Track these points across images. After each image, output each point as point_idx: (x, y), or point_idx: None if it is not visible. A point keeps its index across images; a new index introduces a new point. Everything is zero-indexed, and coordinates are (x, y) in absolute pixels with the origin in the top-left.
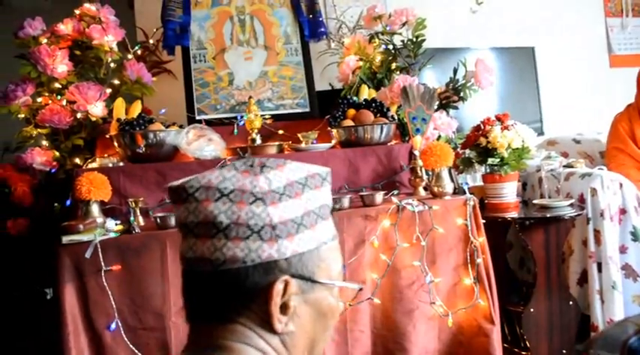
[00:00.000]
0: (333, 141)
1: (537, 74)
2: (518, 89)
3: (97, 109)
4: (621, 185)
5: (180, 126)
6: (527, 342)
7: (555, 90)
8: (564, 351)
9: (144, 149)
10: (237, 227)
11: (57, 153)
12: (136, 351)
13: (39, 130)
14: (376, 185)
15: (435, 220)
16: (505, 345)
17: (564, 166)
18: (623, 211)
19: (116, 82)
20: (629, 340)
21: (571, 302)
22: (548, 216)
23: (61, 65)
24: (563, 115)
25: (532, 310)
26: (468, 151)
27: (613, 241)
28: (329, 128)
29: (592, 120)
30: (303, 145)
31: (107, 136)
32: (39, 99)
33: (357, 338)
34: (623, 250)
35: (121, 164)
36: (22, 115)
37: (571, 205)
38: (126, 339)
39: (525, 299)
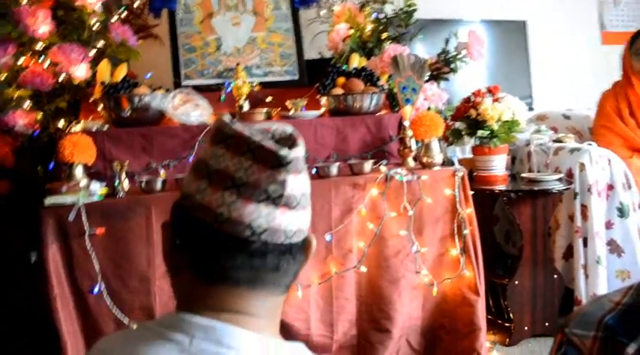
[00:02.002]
0: (322, 110)
1: (528, 49)
2: (509, 64)
3: (81, 71)
4: (610, 161)
5: (167, 91)
6: (510, 314)
7: (546, 66)
8: (547, 324)
9: (129, 113)
10: (305, 199)
11: (40, 116)
12: (120, 314)
13: (21, 92)
14: (365, 154)
15: (423, 190)
16: (489, 317)
17: (554, 141)
18: (610, 187)
19: (100, 44)
20: (604, 317)
21: (555, 276)
22: (536, 189)
23: (43, 26)
24: (553, 91)
25: (517, 282)
26: (457, 123)
27: (599, 216)
28: (318, 96)
29: (582, 96)
30: (291, 113)
31: (91, 100)
32: (21, 61)
33: (343, 305)
34: (609, 226)
35: (106, 128)
36: (3, 76)
37: (559, 180)
38: (109, 302)
39: (510, 272)
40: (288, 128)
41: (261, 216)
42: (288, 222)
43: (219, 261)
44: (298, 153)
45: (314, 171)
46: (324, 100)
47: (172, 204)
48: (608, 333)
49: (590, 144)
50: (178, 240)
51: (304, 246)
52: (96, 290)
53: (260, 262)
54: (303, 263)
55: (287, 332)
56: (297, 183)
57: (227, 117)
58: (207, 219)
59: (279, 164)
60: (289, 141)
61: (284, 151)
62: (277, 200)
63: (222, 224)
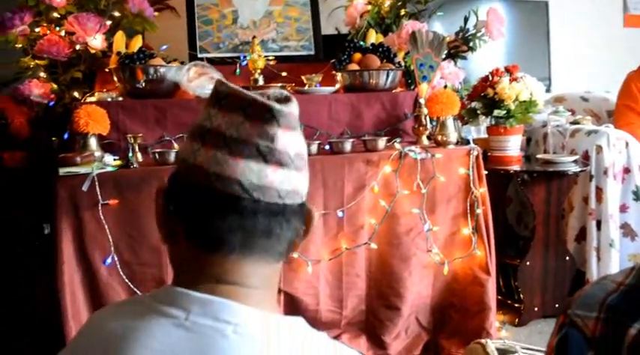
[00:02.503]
0: (337, 85)
1: (549, 30)
2: (528, 45)
3: (97, 42)
4: (627, 144)
5: (182, 63)
6: (521, 295)
7: (566, 48)
8: (557, 305)
9: (144, 84)
10: (300, 160)
11: (55, 86)
12: (132, 286)
13: (37, 61)
14: (379, 132)
15: (436, 169)
16: (499, 297)
17: (571, 123)
18: (627, 170)
19: (117, 14)
20: (607, 298)
21: (567, 258)
22: (550, 170)
23: None
24: (572, 73)
25: (528, 263)
26: (474, 102)
27: (614, 199)
28: (333, 72)
29: (601, 79)
30: (306, 88)
31: (107, 70)
32: (37, 30)
33: (353, 281)
34: (623, 209)
35: (120, 99)
36: (20, 45)
37: (575, 161)
38: (122, 274)
39: (522, 253)
40: (283, 91)
41: (252, 172)
42: (281, 180)
43: (211, 222)
44: (290, 108)
45: (327, 147)
46: (339, 76)
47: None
48: (610, 314)
49: (607, 127)
50: (172, 206)
51: (302, 213)
52: (109, 261)
53: (252, 222)
54: (301, 232)
55: (296, 306)
56: (289, 139)
57: (202, 85)
58: (199, 180)
59: (269, 116)
60: (284, 98)
61: (277, 105)
62: (268, 156)
63: (214, 182)
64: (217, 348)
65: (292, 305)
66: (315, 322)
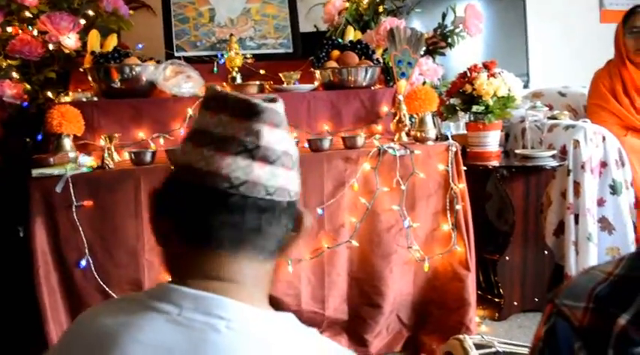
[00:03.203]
0: (316, 83)
1: (527, 26)
2: (506, 41)
3: (70, 41)
4: (604, 138)
5: (158, 62)
6: (500, 289)
7: (544, 44)
8: (536, 299)
9: (119, 84)
10: (288, 158)
11: (28, 86)
12: (107, 289)
13: (9, 61)
14: (358, 129)
15: (416, 165)
16: (479, 292)
17: (548, 118)
18: (604, 164)
19: (91, 13)
20: (595, 288)
21: (546, 252)
22: (529, 165)
23: None
24: (549, 69)
25: (507, 258)
26: (452, 98)
27: (592, 193)
28: (312, 69)
29: (579, 74)
30: (284, 86)
31: (81, 70)
32: (9, 29)
33: (334, 281)
34: (601, 203)
35: (95, 99)
36: None
37: (553, 156)
38: (97, 276)
39: (501, 248)
40: (271, 96)
41: (239, 167)
42: (268, 176)
43: (200, 218)
44: (275, 106)
45: (306, 144)
46: (317, 74)
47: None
48: (598, 304)
49: (585, 122)
50: (162, 207)
51: (292, 212)
52: (83, 263)
53: (240, 218)
54: (290, 231)
55: (277, 307)
56: (275, 136)
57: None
58: (188, 177)
59: (254, 113)
60: (270, 98)
61: (258, 101)
62: (254, 152)
63: (201, 178)
64: (210, 343)
65: (273, 306)
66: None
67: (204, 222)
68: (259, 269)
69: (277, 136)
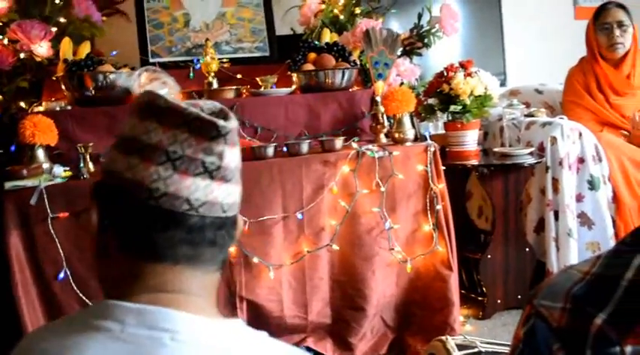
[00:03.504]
0: (293, 86)
1: (502, 25)
2: (483, 40)
3: (42, 49)
4: (580, 134)
5: (132, 69)
6: (483, 288)
7: (520, 42)
8: (519, 296)
9: (93, 92)
10: (238, 173)
11: (0, 97)
12: (87, 301)
13: None
14: (337, 131)
15: (395, 166)
16: (462, 291)
17: (525, 115)
18: (581, 160)
19: (62, 20)
20: (572, 288)
21: (527, 249)
22: (508, 163)
23: (0, 1)
24: (526, 67)
25: (489, 257)
26: (430, 99)
27: (570, 189)
28: (289, 72)
29: (555, 71)
30: (262, 90)
31: (54, 78)
32: None
33: (316, 285)
34: (579, 198)
35: (69, 108)
36: None
37: (531, 154)
38: (76, 288)
39: (483, 247)
40: (216, 103)
41: (198, 189)
42: (225, 195)
43: (155, 238)
44: (234, 124)
45: (284, 149)
46: (294, 77)
47: (94, 184)
48: (575, 304)
49: (561, 118)
50: (107, 221)
51: (235, 222)
52: (61, 275)
53: (199, 237)
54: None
55: (259, 313)
56: (233, 155)
57: (154, 91)
58: (141, 196)
59: (217, 134)
60: (222, 113)
61: (222, 122)
62: (214, 172)
63: (158, 199)
64: None
65: (255, 313)
66: (280, 328)
67: (159, 239)
68: (210, 280)
69: (235, 155)
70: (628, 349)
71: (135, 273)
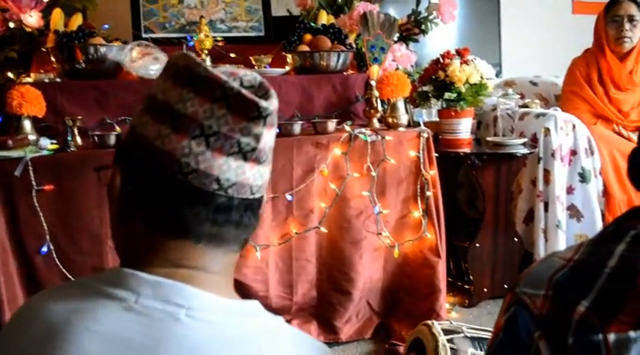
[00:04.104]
0: (288, 67)
1: (500, 15)
2: (480, 30)
3: (33, 19)
4: (574, 126)
5: (125, 43)
6: (470, 276)
7: (516, 33)
8: (506, 286)
9: (83, 64)
10: (271, 153)
11: None
12: (70, 276)
13: None
14: (330, 114)
15: (387, 151)
16: (449, 279)
17: (520, 106)
18: (573, 152)
19: None
20: (555, 275)
21: (516, 240)
22: (500, 153)
23: None
24: (522, 59)
25: (477, 245)
26: (425, 86)
27: (561, 181)
28: (284, 53)
29: (550, 64)
30: (255, 69)
31: (44, 50)
32: None
33: (303, 266)
34: (570, 191)
35: (58, 80)
36: None
37: (524, 144)
38: (58, 263)
39: (472, 235)
40: (256, 75)
41: (230, 169)
42: (256, 176)
43: (180, 214)
44: (275, 104)
45: (276, 129)
46: (289, 57)
47: (118, 146)
48: (558, 291)
49: (555, 110)
50: (130, 187)
51: (261, 202)
52: (44, 249)
53: (224, 217)
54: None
55: (245, 293)
56: (270, 136)
57: (193, 55)
58: (170, 169)
59: (257, 115)
60: (262, 90)
61: (264, 103)
62: (249, 154)
63: (187, 175)
64: (170, 333)
65: (241, 292)
66: (265, 308)
67: (184, 216)
68: (231, 258)
69: (272, 136)
70: (611, 337)
71: (154, 246)
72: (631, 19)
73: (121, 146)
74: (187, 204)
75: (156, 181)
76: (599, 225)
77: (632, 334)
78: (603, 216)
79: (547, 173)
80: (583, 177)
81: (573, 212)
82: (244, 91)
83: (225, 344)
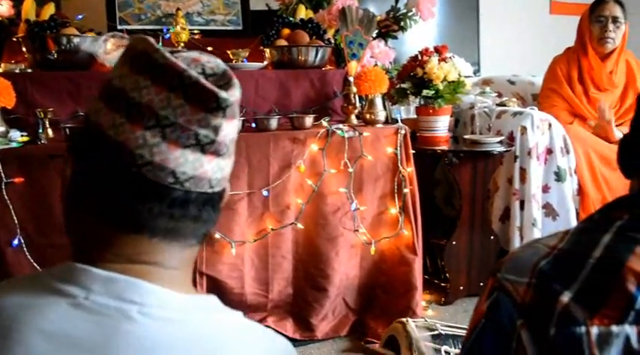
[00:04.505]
0: (265, 62)
1: (479, 15)
2: (459, 29)
3: (3, 8)
4: (550, 125)
5: (99, 34)
6: (447, 274)
7: (495, 33)
8: (482, 284)
9: (55, 55)
10: (232, 145)
11: None
12: (40, 269)
13: None
14: (307, 110)
15: (364, 147)
16: (426, 276)
17: (497, 105)
18: (549, 151)
19: None
20: (539, 263)
21: (492, 237)
22: (477, 150)
23: None
24: (500, 58)
25: (454, 243)
26: (403, 83)
27: (537, 180)
28: (261, 47)
29: (528, 63)
30: (232, 64)
31: (14, 39)
32: None
33: (279, 263)
34: (545, 189)
35: (30, 71)
36: None
37: (500, 142)
38: (29, 256)
39: (448, 233)
40: (219, 63)
41: (187, 162)
42: (215, 169)
43: (134, 207)
44: (236, 95)
45: (253, 124)
46: (267, 52)
47: (71, 132)
48: (541, 280)
49: (532, 109)
50: (82, 177)
51: (222, 196)
52: (15, 242)
53: (181, 212)
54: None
55: (220, 289)
56: (230, 128)
57: (152, 40)
58: (123, 160)
59: (216, 107)
60: (224, 79)
61: (224, 94)
62: (207, 146)
63: (141, 167)
64: (121, 331)
65: (215, 289)
66: (240, 305)
67: (137, 210)
68: (190, 253)
69: (232, 127)
70: (594, 330)
71: (107, 240)
72: (615, 20)
73: (76, 134)
74: (141, 197)
75: (108, 173)
76: (573, 224)
77: (614, 328)
78: (578, 214)
79: (523, 171)
80: (558, 176)
81: (549, 210)
82: (203, 81)
83: (182, 341)
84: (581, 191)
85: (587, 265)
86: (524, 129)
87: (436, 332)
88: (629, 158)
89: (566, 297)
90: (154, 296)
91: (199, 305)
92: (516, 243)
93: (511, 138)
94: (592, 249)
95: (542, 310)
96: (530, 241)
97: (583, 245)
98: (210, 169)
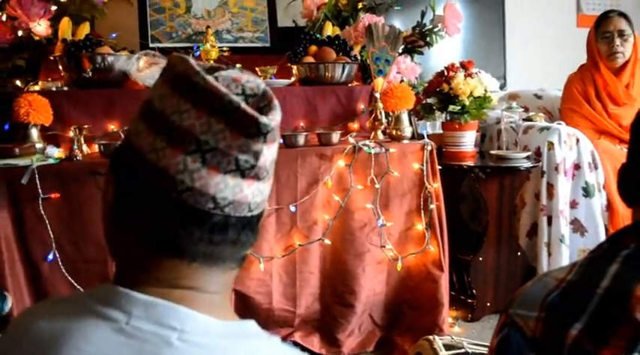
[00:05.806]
0: (293, 78)
1: (505, 28)
2: (485, 43)
3: (41, 28)
4: (578, 140)
5: (132, 52)
6: (473, 290)
7: (521, 46)
8: None
9: (90, 73)
10: (272, 168)
11: None
12: (75, 283)
13: None
14: (334, 126)
15: (390, 163)
16: (452, 293)
17: (524, 120)
18: (577, 166)
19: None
20: (548, 296)
21: (519, 254)
22: (503, 166)
23: None
24: (526, 72)
25: (480, 259)
26: (429, 98)
27: (565, 195)
28: (289, 64)
29: (554, 77)
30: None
31: (51, 58)
32: None
33: (306, 279)
34: (573, 205)
35: (66, 88)
36: None
37: (527, 158)
38: (64, 271)
39: (475, 249)
40: (260, 83)
41: (227, 187)
42: (255, 193)
43: (174, 232)
44: (277, 119)
45: (280, 140)
46: (294, 69)
47: (113, 153)
48: (550, 314)
49: (559, 124)
50: (124, 198)
51: (260, 218)
52: (50, 257)
53: (220, 237)
54: (257, 236)
55: (248, 305)
56: (270, 152)
57: (192, 60)
58: (164, 185)
59: (257, 132)
60: (264, 101)
61: (265, 119)
62: (247, 171)
63: (182, 193)
64: None
65: (244, 304)
66: (268, 321)
67: (178, 236)
68: (229, 276)
69: (272, 151)
70: None
71: (148, 264)
72: (621, 33)
73: (116, 154)
74: (181, 223)
75: (149, 197)
76: (602, 240)
77: None
78: (607, 230)
79: (550, 187)
80: (587, 192)
81: (577, 226)
82: (244, 106)
83: None
84: (610, 206)
85: (596, 296)
86: (551, 144)
87: (462, 351)
88: (629, 186)
89: (575, 330)
90: (193, 322)
91: (238, 332)
92: (544, 260)
93: (538, 154)
94: (600, 280)
95: (553, 344)
96: (540, 274)
97: (591, 276)
98: (250, 193)
